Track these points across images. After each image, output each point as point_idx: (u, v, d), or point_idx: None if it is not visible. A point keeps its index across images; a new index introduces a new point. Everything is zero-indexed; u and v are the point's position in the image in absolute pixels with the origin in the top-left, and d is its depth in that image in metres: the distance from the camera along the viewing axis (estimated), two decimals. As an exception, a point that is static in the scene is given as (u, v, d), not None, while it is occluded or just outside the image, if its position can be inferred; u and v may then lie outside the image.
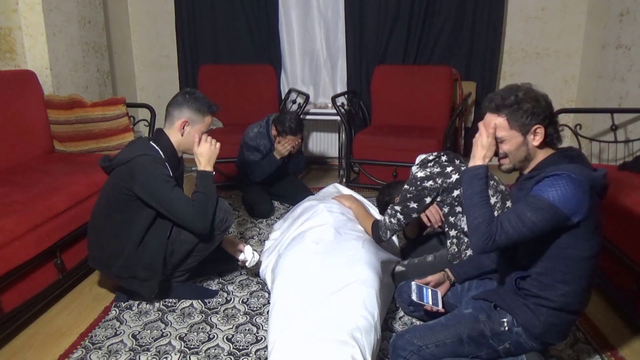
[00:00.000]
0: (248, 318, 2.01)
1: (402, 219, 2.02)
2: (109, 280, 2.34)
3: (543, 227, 1.36)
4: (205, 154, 2.01)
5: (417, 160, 2.07)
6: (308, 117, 4.03)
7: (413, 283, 1.83)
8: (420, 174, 1.97)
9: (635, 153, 3.10)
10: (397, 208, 2.02)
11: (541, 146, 1.49)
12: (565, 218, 1.35)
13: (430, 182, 1.94)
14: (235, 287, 2.25)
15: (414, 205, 1.98)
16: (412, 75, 3.93)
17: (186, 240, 2.02)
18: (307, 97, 3.95)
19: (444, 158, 2.02)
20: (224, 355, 1.78)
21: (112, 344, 1.85)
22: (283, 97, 4.18)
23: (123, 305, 2.10)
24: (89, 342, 1.86)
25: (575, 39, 3.94)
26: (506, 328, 1.51)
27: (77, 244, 2.29)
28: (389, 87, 3.90)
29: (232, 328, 1.94)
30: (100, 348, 1.82)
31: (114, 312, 2.06)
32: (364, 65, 4.10)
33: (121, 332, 1.92)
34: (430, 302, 1.77)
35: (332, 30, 4.16)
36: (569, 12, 3.91)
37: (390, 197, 2.25)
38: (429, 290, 1.81)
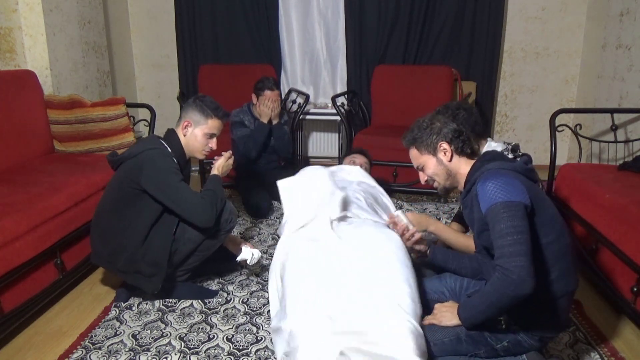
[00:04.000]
0: (248, 318, 2.01)
1: None
2: (109, 280, 2.34)
3: (526, 224, 1.37)
4: (221, 165, 2.16)
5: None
6: (308, 117, 4.04)
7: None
8: None
9: (635, 153, 3.10)
10: None
11: (457, 159, 1.63)
12: (524, 206, 1.39)
13: None
14: (235, 287, 2.25)
15: None
16: (412, 75, 3.93)
17: (190, 239, 2.03)
18: (307, 97, 3.95)
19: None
20: (224, 355, 1.78)
21: (112, 344, 1.85)
22: (283, 97, 4.18)
23: (123, 305, 2.10)
24: (89, 342, 1.86)
25: (575, 39, 3.94)
26: (503, 326, 1.51)
27: (77, 244, 2.28)
28: (389, 87, 3.90)
29: (232, 328, 1.94)
30: (100, 348, 1.82)
31: (114, 312, 2.06)
32: (364, 65, 4.10)
33: (121, 332, 1.91)
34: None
35: (332, 30, 4.16)
36: (569, 12, 3.91)
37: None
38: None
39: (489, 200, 1.41)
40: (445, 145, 1.62)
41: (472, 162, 1.62)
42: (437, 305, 1.61)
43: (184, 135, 2.09)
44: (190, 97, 2.18)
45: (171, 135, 2.10)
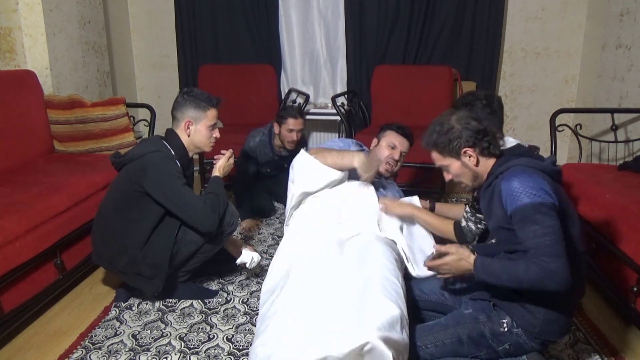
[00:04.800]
0: (248, 318, 2.01)
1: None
2: (109, 280, 2.34)
3: (559, 225, 1.34)
4: (222, 166, 2.14)
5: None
6: (308, 117, 4.03)
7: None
8: None
9: (635, 153, 3.10)
10: None
11: (485, 161, 1.56)
12: (555, 207, 1.36)
13: None
14: (235, 287, 2.25)
15: None
16: (412, 75, 3.93)
17: (192, 241, 2.03)
18: (307, 97, 3.95)
19: None
20: (224, 355, 1.78)
21: (112, 344, 1.85)
22: (283, 97, 4.18)
23: (123, 305, 2.10)
24: (89, 342, 1.86)
25: (575, 39, 3.94)
26: (506, 329, 1.50)
27: (77, 244, 2.29)
28: (389, 87, 3.90)
29: (232, 328, 1.94)
30: (100, 348, 1.82)
31: (114, 312, 2.06)
32: (364, 65, 4.10)
33: (121, 332, 1.91)
34: None
35: (332, 30, 4.15)
36: (569, 12, 3.91)
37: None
38: None
39: (516, 201, 1.37)
40: (469, 151, 1.55)
41: (495, 159, 1.56)
42: (451, 249, 1.51)
43: (188, 135, 2.08)
44: None
45: (171, 135, 2.09)
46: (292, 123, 2.99)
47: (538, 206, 1.34)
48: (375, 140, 2.39)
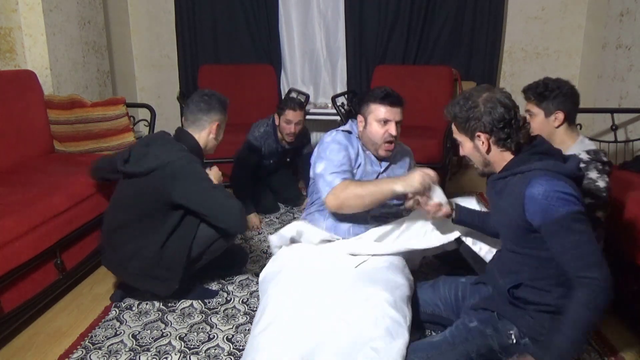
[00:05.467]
0: (248, 318, 2.01)
1: None
2: (109, 280, 2.34)
3: (592, 231, 1.33)
4: (215, 177, 2.09)
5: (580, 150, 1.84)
6: (308, 117, 4.02)
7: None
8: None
9: (635, 153, 3.10)
10: None
11: (497, 151, 1.48)
12: (584, 212, 1.33)
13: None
14: (235, 287, 2.25)
15: None
16: (412, 75, 3.93)
17: (204, 239, 2.00)
18: (307, 97, 3.95)
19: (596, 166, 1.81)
20: (224, 355, 1.78)
21: (112, 344, 1.85)
22: (283, 97, 4.18)
23: (123, 305, 2.10)
24: (89, 342, 1.86)
25: (575, 39, 3.94)
26: (514, 341, 1.46)
27: (77, 244, 2.29)
28: (389, 87, 3.89)
29: (232, 328, 1.94)
30: (100, 348, 1.82)
31: (114, 312, 2.06)
32: (364, 65, 4.10)
33: (121, 332, 1.91)
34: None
35: (332, 30, 4.16)
36: (569, 12, 3.91)
37: None
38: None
39: (550, 213, 1.31)
40: (483, 136, 1.46)
41: (511, 155, 1.48)
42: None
43: (215, 138, 2.11)
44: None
45: (185, 136, 2.06)
46: (290, 115, 2.96)
47: (574, 215, 1.31)
48: (361, 119, 2.03)
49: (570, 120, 1.89)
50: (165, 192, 1.88)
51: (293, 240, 1.97)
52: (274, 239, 2.00)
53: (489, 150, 1.48)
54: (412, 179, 1.73)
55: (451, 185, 3.64)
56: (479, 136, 1.47)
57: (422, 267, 2.34)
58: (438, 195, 1.76)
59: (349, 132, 2.07)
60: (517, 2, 3.95)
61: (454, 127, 1.55)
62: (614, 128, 3.01)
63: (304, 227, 1.94)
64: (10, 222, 1.87)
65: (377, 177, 2.04)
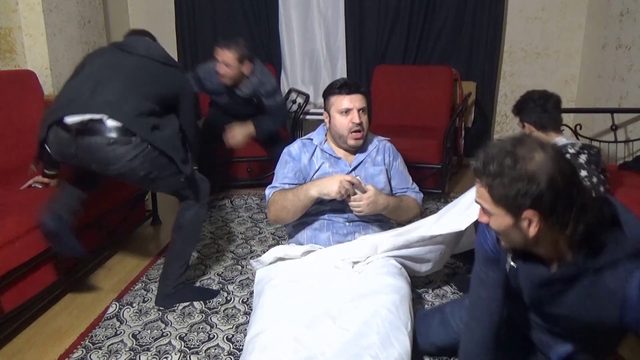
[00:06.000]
0: (248, 318, 2.00)
1: None
2: (109, 280, 2.34)
3: None
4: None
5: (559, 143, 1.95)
6: (308, 117, 4.04)
7: None
8: None
9: (635, 153, 3.10)
10: None
11: (549, 231, 1.07)
12: None
13: None
14: (235, 287, 2.25)
15: None
16: (412, 75, 3.94)
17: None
18: (307, 97, 3.95)
19: (583, 157, 1.91)
20: (224, 355, 1.78)
21: (112, 343, 1.84)
22: (283, 97, 4.18)
23: (123, 304, 2.10)
24: (89, 342, 1.86)
25: (575, 39, 3.94)
26: None
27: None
28: (389, 87, 3.90)
29: (232, 328, 1.94)
30: (100, 348, 1.82)
31: (113, 307, 2.05)
32: (364, 65, 4.10)
33: (121, 332, 1.91)
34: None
35: (332, 30, 4.16)
36: (569, 12, 3.91)
37: None
38: None
39: None
40: (535, 219, 1.05)
41: (569, 235, 1.07)
42: None
43: None
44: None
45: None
46: (218, 53, 2.83)
47: None
48: (326, 115, 2.06)
49: (541, 127, 2.04)
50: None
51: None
52: (255, 264, 1.98)
53: (538, 232, 1.07)
54: (328, 188, 1.82)
55: (451, 185, 3.64)
56: (526, 215, 1.05)
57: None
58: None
59: (310, 139, 2.12)
60: (517, 2, 3.95)
61: (482, 192, 1.11)
62: (614, 128, 3.01)
63: (283, 248, 1.94)
64: (11, 222, 1.87)
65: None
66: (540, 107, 2.01)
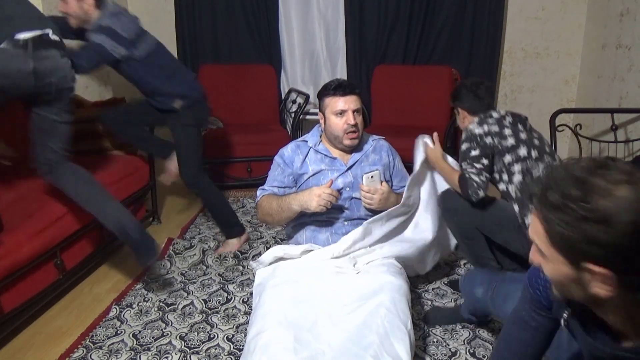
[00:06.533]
0: (248, 318, 2.00)
1: (484, 178, 1.93)
2: (109, 280, 2.34)
3: None
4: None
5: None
6: (308, 117, 4.03)
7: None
8: (477, 130, 1.96)
9: (635, 153, 3.10)
10: (474, 169, 1.93)
11: (621, 292, 0.80)
12: None
13: (489, 139, 1.94)
14: (235, 287, 2.25)
15: (485, 161, 1.94)
16: (412, 75, 3.93)
17: None
18: (307, 97, 3.94)
19: (508, 119, 2.01)
20: (224, 355, 1.78)
21: (112, 343, 1.84)
22: (283, 97, 4.18)
23: (123, 304, 2.10)
24: (89, 341, 1.86)
25: (575, 39, 3.94)
26: None
27: (77, 244, 2.28)
28: (389, 87, 3.90)
29: (232, 328, 1.94)
30: (100, 347, 1.82)
31: (114, 311, 2.06)
32: (364, 65, 4.10)
33: (122, 332, 1.91)
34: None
35: (332, 30, 4.15)
36: (569, 12, 3.91)
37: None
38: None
39: None
40: (600, 275, 0.79)
41: None
42: None
43: None
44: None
45: None
46: None
47: None
48: (321, 116, 2.05)
49: (473, 113, 2.08)
50: None
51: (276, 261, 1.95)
52: (254, 265, 1.96)
53: (609, 295, 0.81)
54: (308, 203, 1.83)
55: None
56: (590, 268, 0.80)
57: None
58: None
59: (304, 141, 2.12)
60: (517, 2, 3.95)
61: (537, 228, 0.87)
62: (614, 128, 3.01)
63: (282, 248, 1.93)
64: (11, 222, 1.87)
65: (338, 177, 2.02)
66: (473, 93, 2.07)
